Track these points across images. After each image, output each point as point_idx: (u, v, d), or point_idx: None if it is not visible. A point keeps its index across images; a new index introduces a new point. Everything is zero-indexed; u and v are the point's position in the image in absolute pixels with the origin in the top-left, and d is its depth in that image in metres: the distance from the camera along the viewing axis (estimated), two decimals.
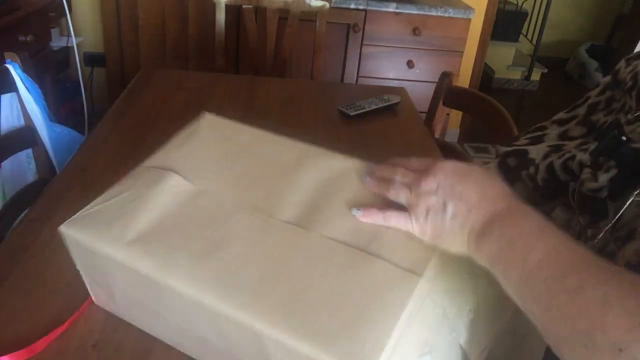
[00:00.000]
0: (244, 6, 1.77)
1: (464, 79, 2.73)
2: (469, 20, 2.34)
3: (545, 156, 0.60)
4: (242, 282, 0.48)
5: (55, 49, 2.26)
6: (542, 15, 3.78)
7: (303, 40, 1.91)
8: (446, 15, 2.30)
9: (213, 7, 1.77)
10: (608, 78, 0.67)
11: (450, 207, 0.47)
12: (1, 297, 0.66)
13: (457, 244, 0.47)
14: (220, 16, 1.76)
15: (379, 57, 2.39)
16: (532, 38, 3.95)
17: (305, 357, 0.43)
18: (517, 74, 4.01)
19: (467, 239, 0.46)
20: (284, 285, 0.47)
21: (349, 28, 2.31)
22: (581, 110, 0.68)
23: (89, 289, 0.64)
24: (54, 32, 2.28)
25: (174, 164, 0.61)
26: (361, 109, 1.31)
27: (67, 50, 2.32)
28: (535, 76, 4.01)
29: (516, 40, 3.96)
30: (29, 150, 1.32)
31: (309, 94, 1.46)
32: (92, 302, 0.65)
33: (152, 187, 0.58)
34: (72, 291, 0.67)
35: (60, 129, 1.38)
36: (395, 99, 1.38)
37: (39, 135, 1.29)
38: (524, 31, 4.04)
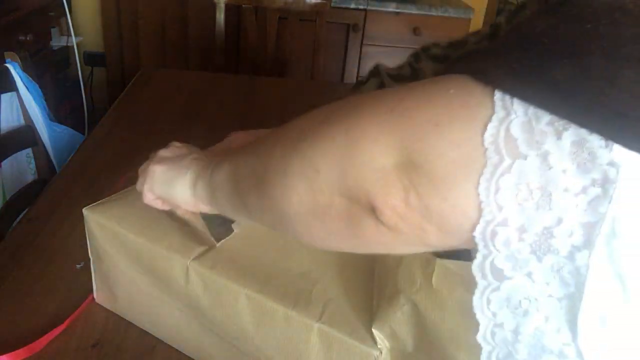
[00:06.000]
0: (243, 6, 1.77)
1: None
2: (469, 20, 2.34)
3: None
4: (257, 268, 0.52)
5: (55, 48, 2.26)
6: None
7: (303, 40, 1.92)
8: (446, 15, 2.30)
9: (213, 7, 1.77)
10: (487, 28, 0.69)
11: (192, 154, 0.53)
12: (1, 297, 0.66)
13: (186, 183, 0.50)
14: (220, 16, 1.77)
15: (379, 57, 2.38)
16: None
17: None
18: None
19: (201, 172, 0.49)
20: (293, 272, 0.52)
21: (349, 28, 2.31)
22: (471, 39, 0.70)
23: (93, 284, 0.65)
24: (54, 31, 2.28)
25: None
26: None
27: (67, 49, 2.33)
28: None
29: None
30: (29, 150, 1.32)
31: (309, 94, 1.47)
32: (93, 301, 0.65)
33: None
34: (72, 290, 0.67)
35: (60, 128, 1.38)
36: None
37: (39, 135, 1.30)
38: None
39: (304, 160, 0.33)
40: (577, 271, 0.25)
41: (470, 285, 0.28)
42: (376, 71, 0.78)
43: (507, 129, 0.25)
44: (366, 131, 0.30)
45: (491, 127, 0.26)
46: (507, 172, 0.25)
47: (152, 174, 0.52)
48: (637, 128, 0.23)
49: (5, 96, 1.31)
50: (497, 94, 0.26)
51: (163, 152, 0.55)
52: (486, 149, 0.26)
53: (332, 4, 2.15)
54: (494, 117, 0.26)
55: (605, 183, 0.24)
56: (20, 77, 1.26)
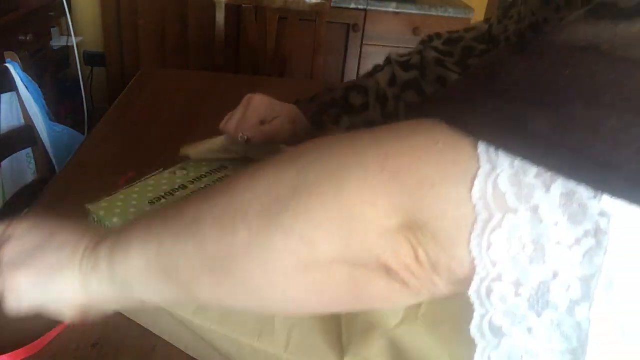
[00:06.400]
0: (243, 6, 1.77)
1: None
2: (469, 20, 2.34)
3: None
4: None
5: (55, 48, 2.26)
6: None
7: (303, 40, 1.92)
8: (446, 15, 2.30)
9: (213, 7, 1.77)
10: (484, 27, 0.70)
11: (54, 239, 0.40)
12: None
13: (67, 279, 0.38)
14: (220, 16, 1.77)
15: (379, 57, 2.37)
16: None
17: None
18: None
19: (91, 263, 0.38)
20: None
21: (349, 28, 2.31)
22: (457, 50, 0.71)
23: None
24: (54, 31, 2.28)
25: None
26: None
27: (67, 49, 2.33)
28: None
29: None
30: (29, 150, 1.32)
31: (309, 93, 1.46)
32: None
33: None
34: None
35: (60, 128, 1.38)
36: None
37: (39, 134, 1.30)
38: None
39: (292, 235, 0.29)
40: (579, 326, 0.25)
41: (463, 309, 0.27)
42: (389, 60, 0.81)
43: (495, 184, 0.25)
44: (361, 196, 0.28)
45: (478, 183, 0.25)
46: (498, 228, 0.25)
47: (14, 290, 0.39)
48: (622, 177, 0.23)
49: (5, 96, 1.31)
50: (482, 147, 0.26)
51: (10, 250, 0.40)
52: (475, 205, 0.25)
53: (332, 4, 2.15)
54: (480, 172, 0.25)
55: (598, 234, 0.24)
56: (20, 77, 1.26)
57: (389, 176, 0.27)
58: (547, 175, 0.24)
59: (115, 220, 0.57)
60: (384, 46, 2.36)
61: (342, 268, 0.30)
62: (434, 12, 2.29)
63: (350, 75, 2.40)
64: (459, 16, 2.31)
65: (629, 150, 0.23)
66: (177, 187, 0.63)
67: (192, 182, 0.64)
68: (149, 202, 0.60)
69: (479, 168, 0.25)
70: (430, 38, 0.77)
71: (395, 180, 0.27)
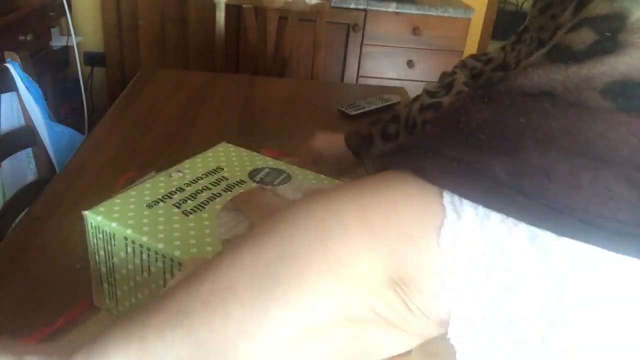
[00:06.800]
0: (243, 6, 1.77)
1: None
2: (469, 20, 2.34)
3: None
4: None
5: (55, 48, 2.26)
6: None
7: (303, 40, 1.92)
8: (446, 15, 2.30)
9: (213, 7, 1.77)
10: (501, 56, 0.74)
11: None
12: (1, 297, 0.66)
13: None
14: (220, 16, 1.77)
15: (379, 57, 2.39)
16: None
17: None
18: None
19: None
20: None
21: (349, 28, 2.32)
22: (487, 68, 0.77)
23: (93, 288, 0.65)
24: (54, 31, 2.28)
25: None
26: (361, 109, 1.31)
27: (67, 49, 2.33)
28: None
29: None
30: (29, 150, 1.32)
31: (309, 94, 1.46)
32: (92, 304, 0.65)
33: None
34: (72, 291, 0.67)
35: (60, 128, 1.38)
36: (395, 99, 1.38)
37: (39, 135, 1.30)
38: None
39: (288, 305, 0.29)
40: (551, 352, 0.26)
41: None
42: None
43: (461, 231, 0.26)
44: (346, 255, 0.28)
45: (445, 231, 0.26)
46: (468, 272, 0.26)
47: None
48: (577, 219, 0.24)
49: (5, 96, 1.31)
50: (447, 196, 0.26)
51: None
52: (445, 252, 0.26)
53: (332, 4, 2.15)
54: (446, 221, 0.26)
55: (561, 275, 0.25)
56: (20, 77, 1.26)
57: (369, 233, 0.28)
58: (510, 220, 0.25)
59: (114, 225, 0.57)
60: (383, 46, 2.36)
61: (342, 327, 0.30)
62: (433, 12, 2.29)
63: (350, 76, 2.40)
64: (459, 16, 2.31)
65: (581, 193, 0.24)
66: (174, 189, 0.63)
67: (189, 185, 0.64)
68: (146, 206, 0.59)
69: (445, 217, 0.26)
70: (458, 67, 0.82)
71: (375, 237, 0.28)
